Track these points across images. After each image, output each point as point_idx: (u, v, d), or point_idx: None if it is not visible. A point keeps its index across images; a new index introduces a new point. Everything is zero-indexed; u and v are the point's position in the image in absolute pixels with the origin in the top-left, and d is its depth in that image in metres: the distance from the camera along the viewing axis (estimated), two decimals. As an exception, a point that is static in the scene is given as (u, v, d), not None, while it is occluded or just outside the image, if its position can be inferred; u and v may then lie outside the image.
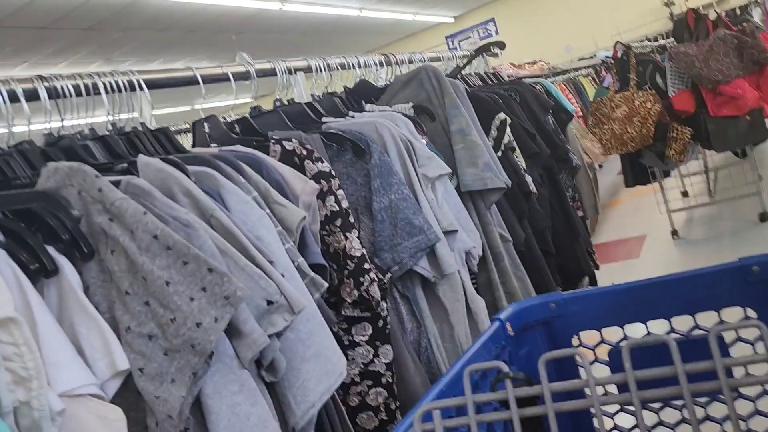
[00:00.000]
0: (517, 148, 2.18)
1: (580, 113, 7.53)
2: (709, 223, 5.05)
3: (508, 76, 6.77)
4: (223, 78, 1.55)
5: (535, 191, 2.20)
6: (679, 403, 0.87)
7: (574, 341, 1.02)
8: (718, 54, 4.46)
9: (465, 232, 1.70)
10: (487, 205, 1.81)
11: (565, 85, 7.56)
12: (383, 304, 1.38)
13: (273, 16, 9.25)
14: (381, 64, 2.15)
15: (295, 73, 1.78)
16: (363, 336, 1.39)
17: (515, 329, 1.00)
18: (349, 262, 1.31)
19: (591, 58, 9.97)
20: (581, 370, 0.99)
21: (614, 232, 5.57)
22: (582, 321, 1.01)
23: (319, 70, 1.86)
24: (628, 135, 4.64)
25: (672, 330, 0.97)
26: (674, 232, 4.92)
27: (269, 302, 0.96)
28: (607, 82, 5.34)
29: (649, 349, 0.74)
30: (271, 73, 1.70)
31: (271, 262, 1.00)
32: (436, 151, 1.77)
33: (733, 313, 0.93)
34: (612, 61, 4.84)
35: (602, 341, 1.00)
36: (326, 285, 1.14)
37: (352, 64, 2.00)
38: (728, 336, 0.92)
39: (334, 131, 1.54)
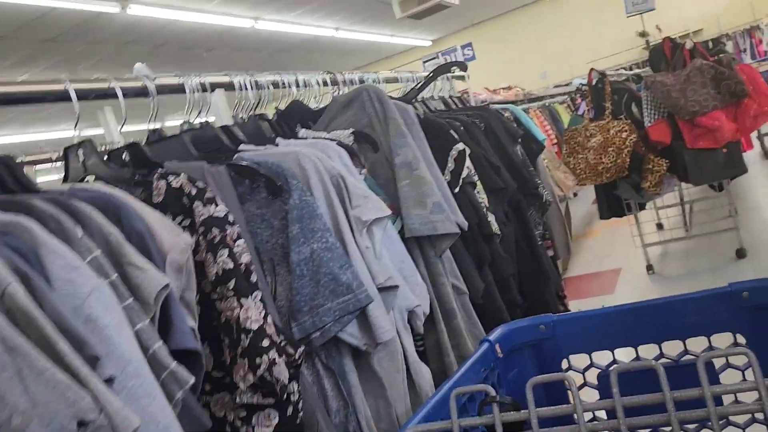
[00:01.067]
0: (478, 183, 1.89)
1: (555, 141, 7.33)
2: (685, 258, 4.83)
3: (482, 101, 6.54)
4: (108, 94, 1.24)
5: (499, 232, 1.91)
6: (667, 429, 0.84)
7: (564, 364, 1.00)
8: (695, 84, 4.28)
9: (409, 286, 1.40)
10: (438, 252, 1.51)
11: (540, 111, 7.36)
12: (293, 387, 1.07)
13: (245, 33, 8.98)
14: (325, 84, 1.86)
15: (212, 90, 1.47)
16: (267, 427, 1.07)
17: (504, 351, 0.98)
18: (243, 336, 0.99)
19: (567, 85, 9.84)
20: (570, 394, 0.92)
21: (588, 265, 5.32)
22: (572, 344, 0.99)
23: (244, 87, 1.55)
24: (603, 165, 4.44)
25: (661, 355, 0.95)
26: (649, 267, 4.69)
27: (81, 423, 0.64)
28: (581, 109, 5.14)
29: (639, 373, 0.73)
30: (179, 89, 1.39)
31: (96, 358, 0.69)
32: (378, 188, 1.48)
33: (723, 339, 0.90)
34: (587, 88, 4.64)
35: (591, 365, 0.98)
36: (192, 380, 0.82)
37: (288, 83, 1.70)
38: (717, 362, 0.91)
39: (245, 163, 1.24)
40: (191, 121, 1.41)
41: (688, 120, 4.26)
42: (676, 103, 4.24)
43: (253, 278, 1.07)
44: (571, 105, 8.08)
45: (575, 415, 0.71)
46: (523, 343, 1.01)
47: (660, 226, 5.60)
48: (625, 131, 4.41)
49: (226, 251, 1.01)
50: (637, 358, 0.96)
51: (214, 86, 1.48)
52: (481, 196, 1.89)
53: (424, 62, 2.83)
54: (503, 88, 7.43)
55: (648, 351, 0.94)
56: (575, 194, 8.03)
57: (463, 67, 2.31)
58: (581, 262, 5.44)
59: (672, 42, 4.69)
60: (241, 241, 1.06)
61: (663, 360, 0.94)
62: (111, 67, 8.91)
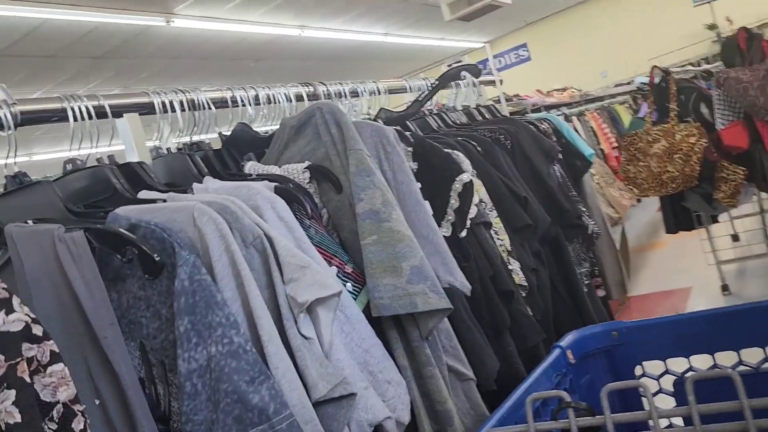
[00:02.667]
0: (497, 221, 1.42)
1: (616, 144, 6.68)
2: (765, 277, 4.16)
3: (533, 105, 5.97)
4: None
5: (525, 282, 1.44)
6: None
7: (638, 371, 0.97)
8: (776, 80, 3.65)
9: (377, 387, 0.95)
10: (424, 332, 1.05)
11: (598, 113, 6.73)
12: None
13: (292, 42, 8.69)
14: (300, 99, 1.42)
15: (118, 116, 1.07)
16: None
17: (576, 357, 0.96)
18: None
19: (628, 84, 9.09)
20: (645, 401, 0.86)
21: (653, 282, 4.70)
22: (646, 350, 0.96)
23: (166, 109, 1.14)
24: (668, 174, 3.86)
25: (740, 362, 0.91)
26: (725, 287, 4.06)
27: None
28: (642, 111, 4.53)
29: (717, 380, 0.70)
30: (57, 115, 0.99)
31: None
32: (336, 245, 1.03)
33: None
34: (648, 87, 4.06)
35: (666, 371, 0.95)
36: None
37: (242, 99, 1.27)
38: None
39: (111, 229, 0.82)
40: (79, 158, 1.01)
41: (769, 121, 3.63)
42: (753, 102, 3.62)
43: (78, 425, 0.65)
44: (633, 105, 7.38)
45: (650, 422, 0.69)
46: (596, 349, 0.97)
47: (735, 238, 4.91)
48: (694, 135, 3.81)
49: (11, 394, 0.60)
50: (715, 365, 0.92)
51: (118, 110, 1.08)
52: (500, 237, 1.42)
53: (448, 66, 2.44)
54: (556, 90, 6.82)
55: (726, 358, 0.90)
56: (639, 200, 7.30)
57: (475, 72, 1.83)
58: (645, 279, 4.82)
59: (747, 33, 4.04)
60: (56, 368, 0.64)
61: (742, 367, 0.90)
62: (161, 81, 8.82)
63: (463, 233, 1.28)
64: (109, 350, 0.79)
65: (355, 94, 1.61)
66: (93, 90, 8.50)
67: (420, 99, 1.64)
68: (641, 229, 6.46)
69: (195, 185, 1.01)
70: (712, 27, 10.61)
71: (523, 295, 1.44)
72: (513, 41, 12.26)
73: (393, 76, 12.71)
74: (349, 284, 1.02)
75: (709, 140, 3.69)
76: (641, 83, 6.50)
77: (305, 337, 0.90)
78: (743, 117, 3.69)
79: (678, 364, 0.94)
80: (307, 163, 1.10)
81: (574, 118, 6.14)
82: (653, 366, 0.95)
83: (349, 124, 1.09)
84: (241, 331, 0.82)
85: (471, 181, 1.27)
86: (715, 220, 4.36)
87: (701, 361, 0.93)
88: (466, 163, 1.42)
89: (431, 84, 1.74)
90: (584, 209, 1.87)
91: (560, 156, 1.90)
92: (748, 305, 0.91)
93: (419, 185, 1.27)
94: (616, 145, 6.68)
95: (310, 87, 1.48)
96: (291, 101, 1.39)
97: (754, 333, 0.89)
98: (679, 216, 4.26)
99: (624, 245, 2.99)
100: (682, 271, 4.75)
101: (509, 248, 1.42)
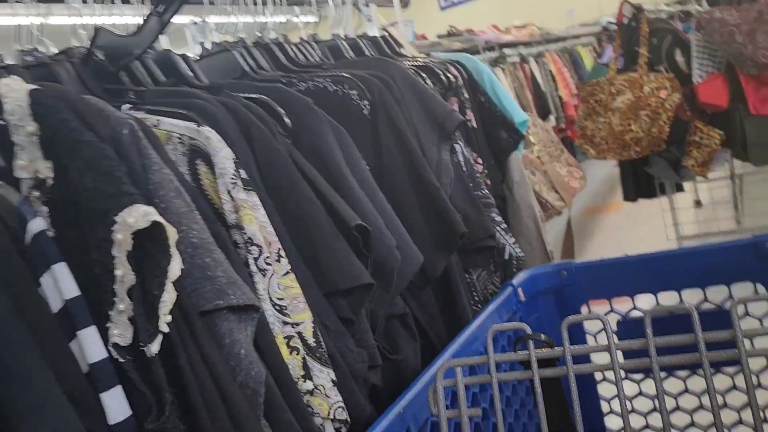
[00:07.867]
0: (286, 282, 0.64)
1: (575, 91, 5.91)
2: (732, 256, 3.52)
3: (486, 42, 5.09)
4: None
5: (345, 416, 0.67)
6: (683, 373, 0.89)
7: (583, 310, 1.00)
8: (769, 25, 2.99)
9: None
10: None
11: (558, 55, 5.91)
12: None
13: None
14: None
15: None
16: None
17: (526, 295, 0.99)
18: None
19: (594, 24, 8.23)
20: (589, 338, 0.98)
21: (601, 252, 4.04)
22: (592, 290, 0.99)
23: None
24: (632, 134, 3.18)
25: (681, 303, 0.95)
26: (684, 267, 3.41)
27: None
28: (607, 56, 3.76)
29: (658, 321, 0.72)
30: None
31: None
32: None
33: (743, 289, 0.90)
34: (616, 28, 3.31)
35: (612, 311, 0.98)
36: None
37: None
38: (737, 309, 0.86)
39: None
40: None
41: (756, 75, 2.79)
42: (740, 50, 2.95)
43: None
44: (597, 47, 6.56)
45: (593, 356, 0.74)
46: (546, 288, 0.99)
47: (698, 204, 4.28)
48: (665, 89, 3.15)
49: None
50: (657, 305, 0.89)
51: None
52: (294, 320, 0.63)
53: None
54: (516, 27, 5.95)
55: (668, 298, 0.90)
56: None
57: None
58: (595, 247, 4.18)
59: (738, -36, 3.27)
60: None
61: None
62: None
63: (154, 347, 0.49)
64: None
65: None
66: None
67: (152, 12, 0.77)
68: (595, 184, 5.76)
69: None
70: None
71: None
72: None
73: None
74: None
75: (682, 95, 2.98)
76: (608, 22, 5.66)
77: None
78: (725, 69, 2.98)
79: (622, 303, 0.95)
80: None
81: (532, 60, 5.33)
82: (598, 305, 0.95)
83: None
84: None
85: (160, 224, 0.46)
86: (680, 189, 3.69)
87: (645, 302, 0.92)
88: (220, 154, 0.61)
89: None
90: (499, 218, 1.08)
91: (467, 123, 1.09)
92: (690, 249, 0.97)
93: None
94: (575, 92, 5.92)
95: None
96: None
97: (694, 274, 0.91)
98: (641, 181, 3.59)
99: (568, 242, 2.22)
100: (638, 241, 4.08)
101: (312, 342, 0.63)
